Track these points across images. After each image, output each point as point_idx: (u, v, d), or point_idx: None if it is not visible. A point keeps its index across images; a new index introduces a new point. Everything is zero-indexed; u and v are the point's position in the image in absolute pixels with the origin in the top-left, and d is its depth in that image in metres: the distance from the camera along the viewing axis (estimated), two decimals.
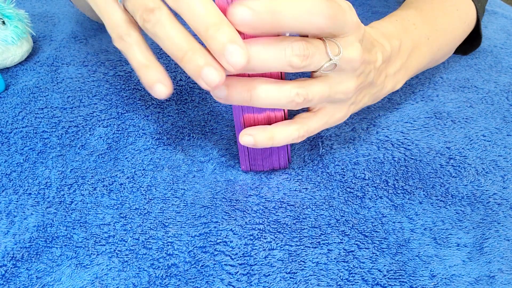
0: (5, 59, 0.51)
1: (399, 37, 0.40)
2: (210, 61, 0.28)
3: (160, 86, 0.31)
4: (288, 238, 0.34)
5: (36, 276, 0.32)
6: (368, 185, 0.38)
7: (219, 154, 0.41)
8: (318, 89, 0.32)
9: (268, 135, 0.34)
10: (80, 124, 0.45)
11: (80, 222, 0.36)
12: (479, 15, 0.50)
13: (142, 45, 0.32)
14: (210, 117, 0.46)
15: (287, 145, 0.38)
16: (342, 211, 0.36)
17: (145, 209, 0.36)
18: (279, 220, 0.36)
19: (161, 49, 0.56)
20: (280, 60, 0.29)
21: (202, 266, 0.32)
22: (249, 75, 0.32)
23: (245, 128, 0.36)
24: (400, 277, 0.32)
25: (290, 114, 0.36)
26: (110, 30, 0.32)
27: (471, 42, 0.53)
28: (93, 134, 0.44)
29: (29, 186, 0.39)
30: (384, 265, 0.32)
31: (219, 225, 0.35)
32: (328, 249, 0.33)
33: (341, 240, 0.34)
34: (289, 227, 0.35)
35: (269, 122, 0.35)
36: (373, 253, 0.33)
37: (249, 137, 0.34)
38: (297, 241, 0.34)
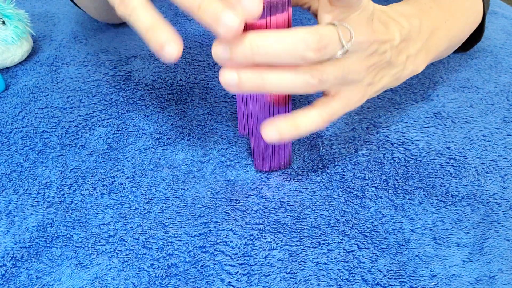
0: (5, 59, 0.51)
1: (419, 16, 0.39)
2: (226, 7, 0.27)
3: (170, 46, 0.29)
4: (288, 238, 0.34)
5: (36, 276, 0.32)
6: (368, 185, 0.38)
7: (219, 154, 0.41)
8: (331, 70, 0.31)
9: (292, 125, 0.32)
10: (80, 124, 0.45)
11: (80, 222, 0.36)
12: (485, 8, 0.50)
13: (147, 6, 0.30)
14: (210, 117, 0.46)
15: (288, 145, 0.38)
16: (342, 211, 0.36)
17: (145, 209, 0.36)
18: (279, 220, 0.36)
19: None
20: (293, 55, 0.29)
21: (202, 266, 0.32)
22: None
23: (247, 118, 0.35)
24: (400, 277, 0.32)
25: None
26: None
27: (472, 38, 0.53)
28: (93, 134, 0.44)
29: (29, 186, 0.39)
30: (384, 265, 0.32)
31: (219, 225, 0.35)
32: (328, 249, 0.33)
33: (341, 240, 0.34)
34: (289, 227, 0.35)
35: (272, 110, 0.35)
36: (373, 253, 0.33)
37: (273, 131, 0.32)
38: (297, 241, 0.34)
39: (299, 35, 0.29)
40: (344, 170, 0.40)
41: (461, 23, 0.46)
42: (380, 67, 0.36)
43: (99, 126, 0.45)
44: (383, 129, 0.44)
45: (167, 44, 0.29)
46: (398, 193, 0.38)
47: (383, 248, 0.34)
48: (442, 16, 0.43)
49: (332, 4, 0.31)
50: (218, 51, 0.29)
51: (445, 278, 0.32)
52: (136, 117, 0.46)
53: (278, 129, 0.32)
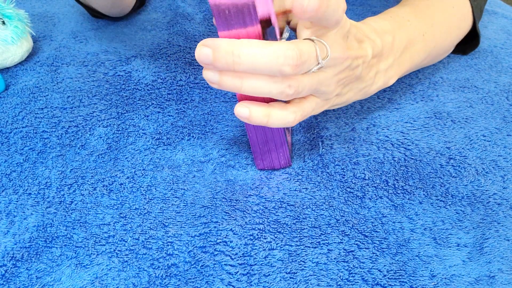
0: (5, 59, 0.51)
1: (393, 33, 0.40)
2: None
3: None
4: (288, 238, 0.34)
5: (36, 276, 0.32)
6: (368, 185, 0.38)
7: (219, 154, 0.41)
8: (307, 81, 0.32)
9: (265, 112, 0.33)
10: (80, 124, 0.45)
11: (80, 222, 0.36)
12: (475, 14, 0.50)
13: None
14: (210, 117, 0.46)
15: (285, 144, 0.38)
16: (342, 211, 0.36)
17: (145, 209, 0.36)
18: (279, 220, 0.36)
19: (160, 50, 0.56)
20: (271, 67, 0.30)
21: (202, 266, 0.32)
22: None
23: None
24: (400, 277, 0.32)
25: None
26: None
27: (470, 42, 0.53)
28: (93, 134, 0.44)
29: (29, 186, 0.39)
30: (384, 265, 0.32)
31: (219, 225, 0.35)
32: (328, 249, 0.33)
33: (341, 240, 0.34)
34: (289, 227, 0.35)
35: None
36: (373, 253, 0.33)
37: (245, 109, 0.33)
38: (297, 241, 0.34)
39: (280, 49, 0.29)
40: (344, 170, 0.40)
41: (442, 34, 0.46)
42: (349, 81, 0.37)
43: (99, 126, 0.45)
44: (383, 129, 0.44)
45: None
46: (398, 193, 0.38)
47: (383, 248, 0.34)
48: (421, 28, 0.44)
49: (312, 23, 0.32)
50: (201, 56, 0.30)
51: (445, 278, 0.32)
52: (136, 117, 0.46)
53: (251, 111, 0.33)
